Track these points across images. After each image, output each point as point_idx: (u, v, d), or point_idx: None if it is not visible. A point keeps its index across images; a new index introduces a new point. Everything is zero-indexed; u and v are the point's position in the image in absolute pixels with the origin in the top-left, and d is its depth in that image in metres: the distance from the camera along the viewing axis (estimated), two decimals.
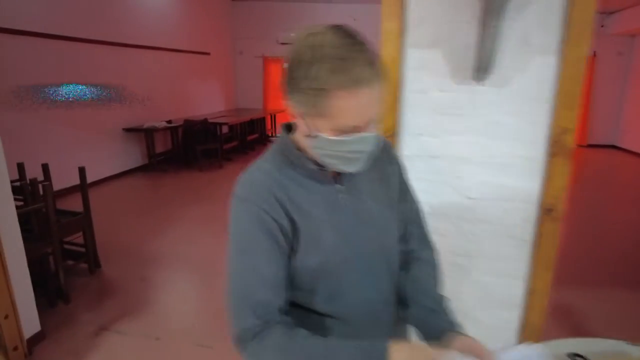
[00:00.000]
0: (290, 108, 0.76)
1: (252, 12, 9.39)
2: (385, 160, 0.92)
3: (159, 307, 2.73)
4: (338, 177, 0.84)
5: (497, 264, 1.52)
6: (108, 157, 5.81)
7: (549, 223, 1.43)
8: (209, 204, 4.91)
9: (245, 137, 8.42)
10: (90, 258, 3.17)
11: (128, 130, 6.08)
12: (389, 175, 0.92)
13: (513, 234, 1.49)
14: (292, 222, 0.78)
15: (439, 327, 0.81)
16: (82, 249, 3.19)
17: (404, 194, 0.95)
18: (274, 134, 9.88)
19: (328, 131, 0.72)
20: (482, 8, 1.22)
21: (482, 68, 1.29)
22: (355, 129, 0.72)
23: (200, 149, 6.55)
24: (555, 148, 1.36)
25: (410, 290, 0.89)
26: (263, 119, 9.31)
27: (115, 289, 2.97)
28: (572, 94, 1.30)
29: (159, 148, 6.75)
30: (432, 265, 0.94)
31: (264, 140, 9.26)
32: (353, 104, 0.69)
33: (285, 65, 0.73)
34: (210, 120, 6.76)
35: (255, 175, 0.81)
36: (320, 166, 0.80)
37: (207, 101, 8.58)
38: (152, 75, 6.62)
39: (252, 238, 0.77)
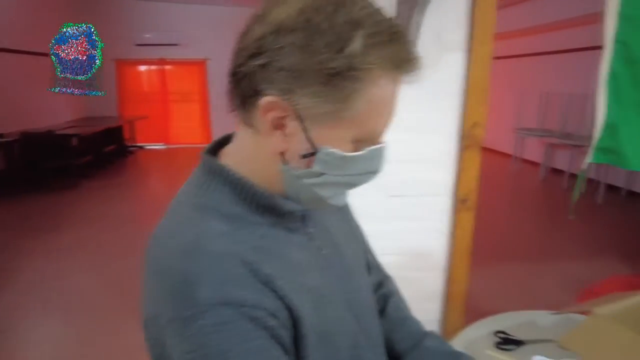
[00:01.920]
0: (266, 110, 0.47)
1: (102, 10, 8.38)
2: None
3: None
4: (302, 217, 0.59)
5: (420, 258, 1.54)
6: None
7: (464, 213, 1.50)
8: (67, 231, 4.17)
9: (101, 149, 7.48)
10: None
11: None
12: (346, 205, 0.74)
13: (433, 227, 1.52)
14: (290, 308, 0.48)
15: None
16: None
17: (356, 223, 0.78)
18: (133, 144, 8.99)
19: (343, 143, 0.48)
20: (403, 2, 1.20)
21: None
22: (377, 138, 0.51)
23: (47, 166, 5.57)
24: (467, 141, 1.43)
25: (401, 337, 0.72)
26: (120, 128, 8.40)
27: None
28: (480, 90, 1.38)
29: None
30: (400, 297, 0.81)
31: (123, 151, 8.35)
32: (391, 97, 0.48)
33: (267, 35, 0.44)
34: (57, 132, 5.81)
35: (209, 248, 0.46)
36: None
37: (51, 110, 7.37)
38: None
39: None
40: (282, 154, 0.49)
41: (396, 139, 1.41)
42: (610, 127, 1.46)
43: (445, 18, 1.33)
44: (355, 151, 0.49)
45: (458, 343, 1.10)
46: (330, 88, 0.44)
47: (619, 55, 1.38)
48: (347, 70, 0.43)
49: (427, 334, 0.73)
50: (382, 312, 0.75)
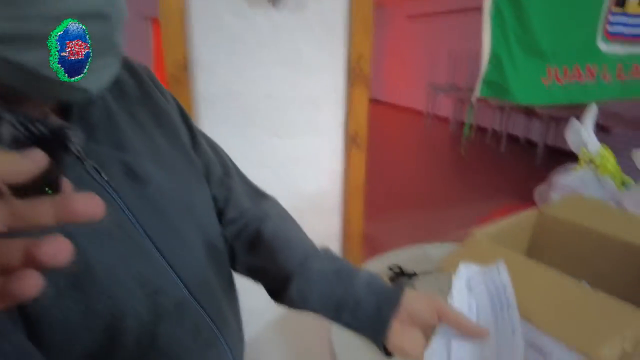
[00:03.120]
0: None
1: None
2: (154, 93, 0.58)
3: None
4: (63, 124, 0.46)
5: (314, 199, 1.50)
6: None
7: (355, 150, 1.47)
8: None
9: None
10: None
11: None
12: (166, 113, 0.59)
13: (325, 167, 1.48)
14: None
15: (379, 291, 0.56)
16: None
17: (195, 139, 0.64)
18: None
19: None
20: None
21: None
22: None
23: None
24: (353, 76, 1.38)
25: (280, 264, 0.61)
26: None
27: None
28: (364, 19, 1.32)
29: None
30: (283, 218, 0.69)
31: None
32: None
33: None
34: None
35: None
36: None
37: None
38: None
39: None
40: None
41: (278, 75, 1.33)
42: (496, 60, 1.49)
43: None
44: None
45: None
46: None
47: None
48: None
49: (311, 255, 0.61)
50: (257, 240, 0.64)
